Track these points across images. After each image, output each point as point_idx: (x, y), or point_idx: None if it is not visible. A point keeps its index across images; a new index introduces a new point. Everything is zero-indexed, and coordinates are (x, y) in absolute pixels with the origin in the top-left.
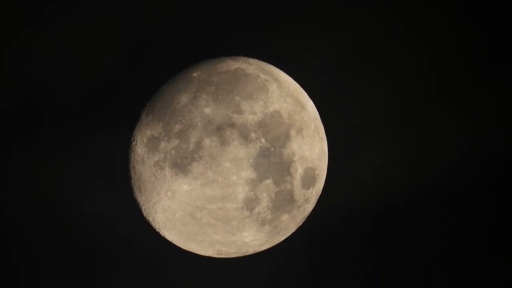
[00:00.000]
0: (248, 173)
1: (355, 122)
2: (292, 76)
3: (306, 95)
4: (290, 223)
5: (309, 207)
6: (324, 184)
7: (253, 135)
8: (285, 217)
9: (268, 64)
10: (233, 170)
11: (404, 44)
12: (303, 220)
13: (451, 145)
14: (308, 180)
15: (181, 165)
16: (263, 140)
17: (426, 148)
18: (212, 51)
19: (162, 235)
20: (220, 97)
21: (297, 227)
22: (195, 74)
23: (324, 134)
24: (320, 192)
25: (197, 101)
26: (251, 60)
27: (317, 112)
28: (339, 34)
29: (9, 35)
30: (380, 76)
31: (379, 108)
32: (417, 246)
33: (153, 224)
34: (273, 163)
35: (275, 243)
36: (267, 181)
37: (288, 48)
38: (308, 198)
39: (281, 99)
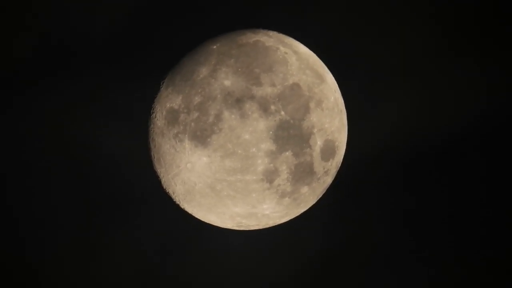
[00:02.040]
0: (268, 145)
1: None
2: (311, 49)
3: (325, 67)
4: (310, 196)
5: (329, 179)
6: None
7: (272, 107)
8: (304, 189)
9: (288, 37)
10: (253, 142)
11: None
12: (323, 193)
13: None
14: (328, 152)
15: (201, 137)
16: (282, 112)
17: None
18: (232, 23)
19: (182, 207)
20: (239, 69)
21: (317, 199)
22: (215, 47)
23: (344, 107)
24: (340, 165)
25: (217, 73)
26: (271, 33)
27: (336, 85)
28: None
29: None
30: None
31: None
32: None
33: (173, 196)
34: (293, 135)
35: (295, 216)
36: (287, 153)
37: (308, 20)
38: (327, 170)
39: (300, 71)
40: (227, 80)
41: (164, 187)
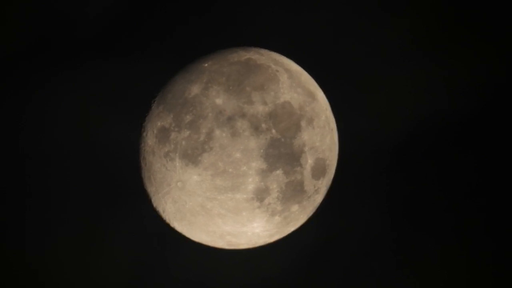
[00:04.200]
0: (259, 163)
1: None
2: (303, 67)
3: (317, 85)
4: (300, 214)
5: (319, 197)
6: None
7: (263, 125)
8: (295, 207)
9: (279, 55)
10: (244, 161)
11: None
12: (313, 211)
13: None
14: (318, 170)
15: (192, 155)
16: (273, 130)
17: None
18: (223, 41)
19: (172, 226)
20: (231, 87)
21: (307, 218)
22: (206, 65)
23: (335, 125)
24: (330, 183)
25: (208, 91)
26: (262, 51)
27: (328, 103)
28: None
29: None
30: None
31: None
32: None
33: (163, 215)
34: (284, 153)
35: (285, 234)
36: (277, 171)
37: (299, 38)
38: (318, 189)
39: (292, 89)
40: (218, 99)
41: (155, 205)
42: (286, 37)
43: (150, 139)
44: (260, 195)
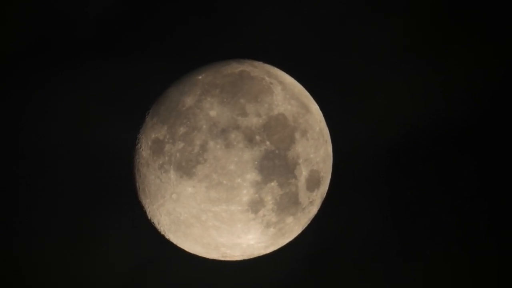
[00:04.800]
0: (253, 175)
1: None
2: (297, 79)
3: (311, 97)
4: (295, 226)
5: (314, 209)
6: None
7: (258, 137)
8: (290, 219)
9: (273, 67)
10: (238, 173)
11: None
12: (308, 223)
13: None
14: (313, 182)
15: (186, 167)
16: (267, 142)
17: None
18: (217, 54)
19: (167, 238)
20: (225, 99)
21: (302, 229)
22: (200, 77)
23: (329, 137)
24: (325, 195)
25: (202, 103)
26: (256, 63)
27: (321, 115)
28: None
29: None
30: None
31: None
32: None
33: (158, 226)
34: (278, 165)
35: (280, 246)
36: (272, 183)
37: (293, 50)
38: (312, 201)
39: (285, 101)
40: (212, 111)
41: (149, 217)
42: (279, 49)
43: (144, 151)
44: (255, 207)
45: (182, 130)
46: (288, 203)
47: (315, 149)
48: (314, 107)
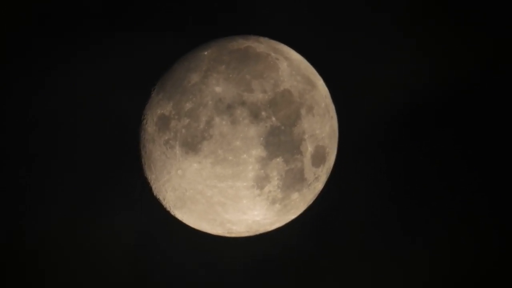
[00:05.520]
0: (259, 151)
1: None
2: (302, 55)
3: (316, 73)
4: (300, 202)
5: (319, 185)
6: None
7: (263, 113)
8: (295, 195)
9: (279, 43)
10: (244, 149)
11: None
12: (314, 199)
13: None
14: (318, 158)
15: (192, 143)
16: (273, 118)
17: None
18: (222, 30)
19: (172, 213)
20: (230, 75)
21: (307, 206)
22: (206, 53)
23: (335, 113)
24: (331, 171)
25: (208, 79)
26: (262, 39)
27: (327, 91)
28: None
29: None
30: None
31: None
32: None
33: (163, 202)
34: (284, 141)
35: (285, 222)
36: (278, 159)
37: (299, 27)
38: (318, 177)
39: (291, 77)
40: (218, 87)
41: (155, 193)
42: (285, 25)
43: (150, 127)
44: (260, 183)
45: (188, 106)
46: (294, 179)
47: (321, 125)
48: (320, 83)
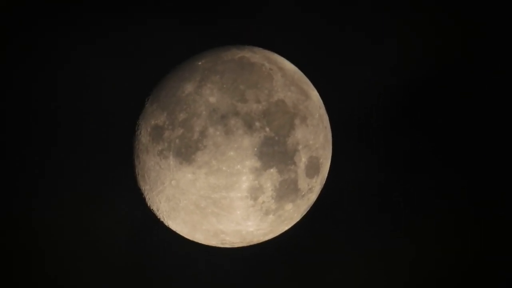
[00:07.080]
0: (253, 162)
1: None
2: (296, 65)
3: (310, 84)
4: (294, 213)
5: (313, 196)
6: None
7: (257, 124)
8: (289, 206)
9: (273, 53)
10: (238, 159)
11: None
12: (307, 210)
13: None
14: (312, 169)
15: (185, 154)
16: (267, 129)
17: None
18: (217, 40)
19: (166, 224)
20: (224, 85)
21: (301, 216)
22: (200, 63)
23: (328, 123)
24: (324, 182)
25: (202, 89)
26: (256, 49)
27: (321, 101)
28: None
29: None
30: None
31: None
32: None
33: (157, 213)
34: (277, 152)
35: (279, 233)
36: (271, 170)
37: (293, 37)
38: (312, 187)
39: (285, 88)
40: (212, 97)
41: (149, 204)
42: (279, 35)
43: (144, 137)
44: (254, 193)
45: (181, 116)
46: (288, 190)
47: (315, 135)
48: (314, 93)
